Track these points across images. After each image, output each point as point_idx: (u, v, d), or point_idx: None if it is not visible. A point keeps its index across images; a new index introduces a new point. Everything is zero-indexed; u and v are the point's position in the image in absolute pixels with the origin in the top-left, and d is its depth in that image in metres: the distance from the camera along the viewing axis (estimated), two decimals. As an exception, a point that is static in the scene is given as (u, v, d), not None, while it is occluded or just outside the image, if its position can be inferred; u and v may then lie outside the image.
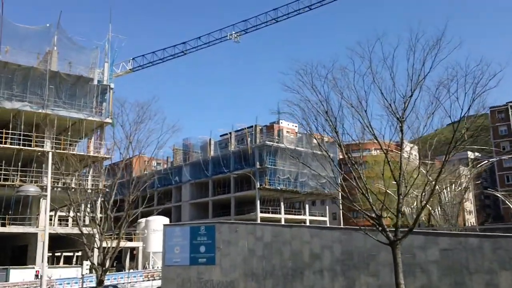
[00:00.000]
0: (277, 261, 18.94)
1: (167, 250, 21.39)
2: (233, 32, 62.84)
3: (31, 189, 13.14)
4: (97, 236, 21.56)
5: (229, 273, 19.48)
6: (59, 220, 50.18)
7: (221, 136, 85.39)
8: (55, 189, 42.76)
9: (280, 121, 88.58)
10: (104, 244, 44.30)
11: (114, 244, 48.62)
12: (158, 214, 56.47)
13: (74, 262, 57.48)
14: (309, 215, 70.54)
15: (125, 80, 71.32)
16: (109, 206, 20.80)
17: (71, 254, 57.98)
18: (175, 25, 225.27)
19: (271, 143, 65.47)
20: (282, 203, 66.52)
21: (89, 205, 28.32)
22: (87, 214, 25.67)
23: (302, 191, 67.07)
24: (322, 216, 72.61)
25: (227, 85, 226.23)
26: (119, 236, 21.73)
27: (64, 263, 56.22)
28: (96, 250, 21.35)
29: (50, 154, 14.87)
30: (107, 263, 19.47)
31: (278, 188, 64.38)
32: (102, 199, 28.84)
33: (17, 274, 36.66)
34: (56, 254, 54.24)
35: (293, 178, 66.49)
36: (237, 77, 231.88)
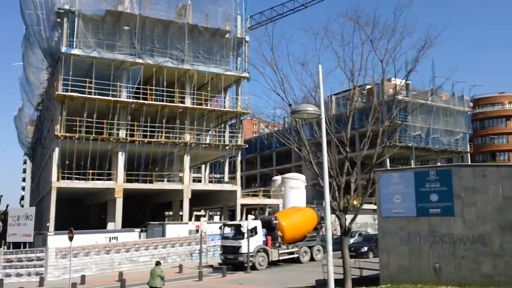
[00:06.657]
0: (549, 210, 15.61)
1: (383, 199, 18.64)
2: (358, -22, 57.89)
3: (310, 108, 10.84)
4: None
5: (476, 226, 16.32)
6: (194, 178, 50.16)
7: (334, 95, 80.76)
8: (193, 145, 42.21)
9: (392, 78, 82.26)
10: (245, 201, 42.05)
11: (253, 201, 46.07)
12: (278, 174, 55.43)
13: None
14: (440, 174, 65.48)
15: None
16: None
17: (202, 212, 58.31)
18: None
19: (402, 97, 60.53)
20: (412, 162, 61.91)
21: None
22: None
23: (434, 148, 62.22)
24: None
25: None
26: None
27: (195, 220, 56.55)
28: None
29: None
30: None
31: (410, 145, 59.80)
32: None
33: (172, 230, 36.46)
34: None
35: (425, 134, 61.63)
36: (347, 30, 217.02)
